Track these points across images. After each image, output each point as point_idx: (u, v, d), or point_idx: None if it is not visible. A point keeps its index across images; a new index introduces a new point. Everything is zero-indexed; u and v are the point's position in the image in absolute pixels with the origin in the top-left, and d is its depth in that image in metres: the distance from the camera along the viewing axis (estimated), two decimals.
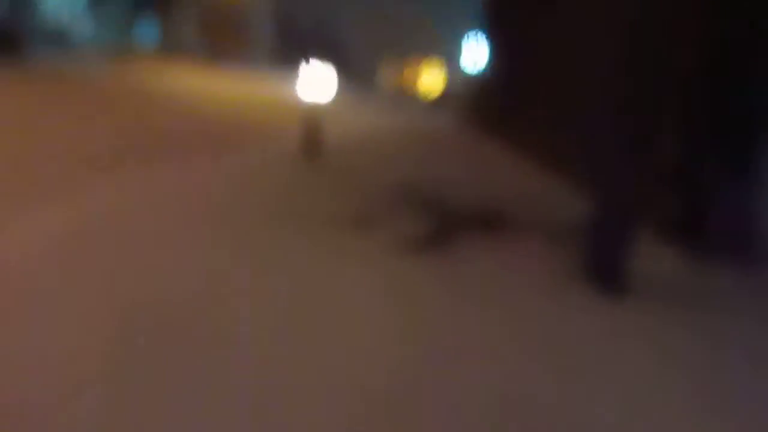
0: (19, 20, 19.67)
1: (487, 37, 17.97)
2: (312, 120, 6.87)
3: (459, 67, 29.13)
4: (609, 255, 3.48)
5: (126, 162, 5.54)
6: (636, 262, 3.47)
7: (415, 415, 1.97)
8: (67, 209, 3.84)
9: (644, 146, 3.47)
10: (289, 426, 1.84)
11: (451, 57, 32.06)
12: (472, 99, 18.32)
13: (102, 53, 28.57)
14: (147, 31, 44.12)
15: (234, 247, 3.54)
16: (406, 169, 6.90)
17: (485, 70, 18.19)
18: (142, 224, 3.78)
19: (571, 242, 4.27)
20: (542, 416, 2.05)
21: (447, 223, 4.46)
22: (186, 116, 9.97)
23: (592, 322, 2.96)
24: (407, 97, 40.45)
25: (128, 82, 15.55)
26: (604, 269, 3.48)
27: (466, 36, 26.32)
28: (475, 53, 22.16)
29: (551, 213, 5.25)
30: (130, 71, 21.08)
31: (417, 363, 2.37)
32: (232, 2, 43.19)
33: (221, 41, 46.31)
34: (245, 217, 4.21)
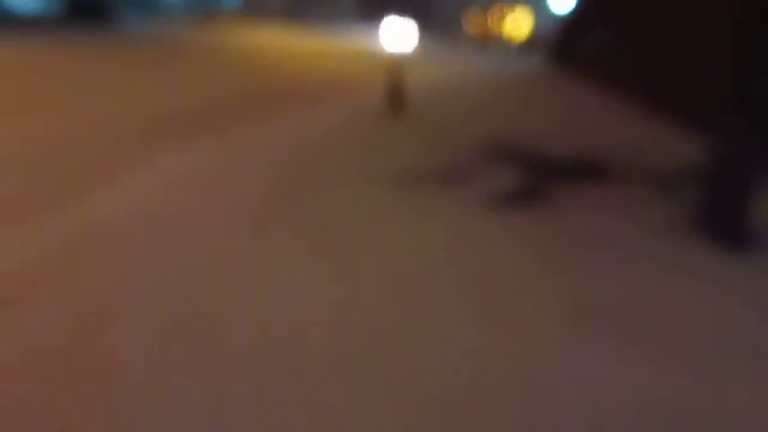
0: None
1: None
2: (395, 73, 6.69)
3: (546, 9, 27.50)
4: (728, 206, 3.11)
5: (217, 122, 5.71)
6: (755, 216, 3.08)
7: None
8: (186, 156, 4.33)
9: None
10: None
11: (538, 6, 30.28)
12: (561, 41, 17.13)
13: (190, 17, 29.63)
14: None
15: (319, 208, 3.51)
16: (496, 120, 6.57)
17: (574, 10, 17.02)
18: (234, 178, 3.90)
19: (679, 192, 3.88)
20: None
21: (541, 176, 4.19)
22: (272, 75, 10.11)
23: (709, 278, 2.67)
24: (493, 43, 39.07)
25: (216, 43, 16.00)
26: (723, 221, 3.12)
27: None
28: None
29: (655, 161, 4.79)
30: (218, 33, 21.71)
31: (510, 351, 2.14)
32: None
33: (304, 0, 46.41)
34: (329, 174, 4.17)
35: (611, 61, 10.92)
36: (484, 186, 3.94)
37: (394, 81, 6.69)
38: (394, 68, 6.69)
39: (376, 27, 25.89)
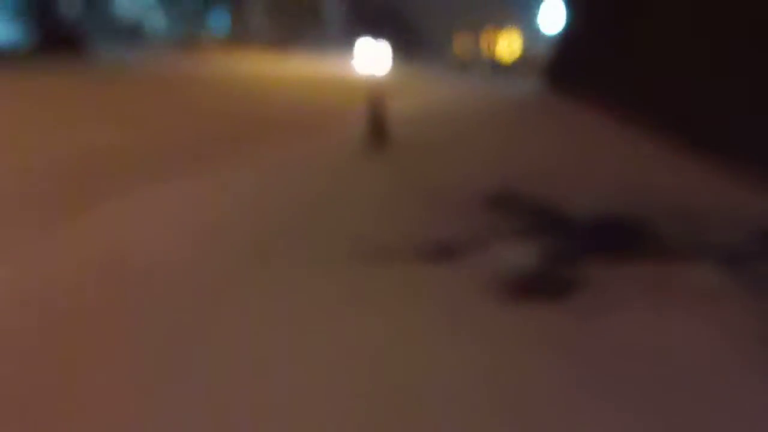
0: (88, 19, 19.89)
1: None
2: (376, 103, 5.65)
3: (537, 30, 27.21)
4: None
5: (171, 164, 4.65)
6: None
7: None
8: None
9: None
10: None
11: (527, 22, 30.27)
12: (556, 61, 16.31)
13: (174, 45, 28.92)
14: (218, 21, 44.51)
15: (271, 296, 2.42)
16: (495, 158, 5.49)
17: (565, 29, 16.43)
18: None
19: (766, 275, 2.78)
20: None
21: (564, 247, 3.09)
22: (244, 103, 9.16)
23: None
24: (484, 65, 39.19)
25: (194, 72, 15.11)
26: None
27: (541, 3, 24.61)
28: (554, 14, 21.30)
29: (711, 219, 3.64)
30: (200, 60, 20.87)
31: None
32: None
33: (291, 25, 46.26)
34: (283, 250, 3.06)
35: (622, 84, 9.88)
36: (486, 262, 2.84)
37: (374, 112, 5.65)
38: (375, 98, 5.65)
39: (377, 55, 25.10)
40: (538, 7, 25.39)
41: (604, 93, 10.63)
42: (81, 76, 12.13)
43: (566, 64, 15.82)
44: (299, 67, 18.07)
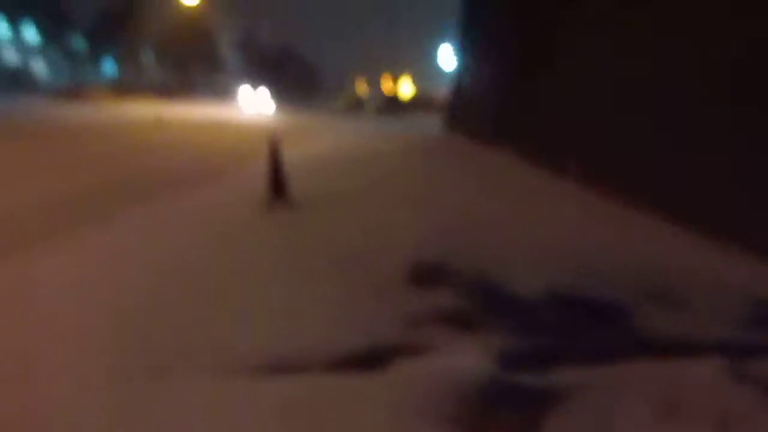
0: None
1: (465, 42, 16.71)
2: (274, 151, 4.76)
3: (434, 74, 28.37)
4: None
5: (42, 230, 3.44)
6: None
7: None
8: None
9: None
10: None
11: (424, 66, 31.66)
12: (458, 104, 16.42)
13: (59, 92, 26.45)
14: (108, 67, 41.65)
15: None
16: (410, 211, 4.75)
17: (463, 73, 16.74)
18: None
19: None
20: None
21: (526, 345, 2.32)
22: (127, 152, 8.22)
23: None
24: (381, 106, 40.75)
25: (82, 119, 13.61)
26: None
27: (439, 44, 26.04)
28: (449, 59, 22.86)
29: (703, 296, 2.78)
30: (88, 108, 19.09)
31: None
32: (194, 32, 41.11)
33: (186, 71, 44.47)
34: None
35: (526, 128, 9.54)
36: (425, 373, 2.02)
37: (273, 162, 4.72)
38: (274, 146, 4.73)
39: (259, 99, 24.84)
40: (436, 50, 27.12)
41: (509, 137, 10.35)
42: None
43: (465, 107, 15.82)
44: (189, 113, 16.79)
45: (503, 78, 11.51)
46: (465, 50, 16.73)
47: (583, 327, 2.46)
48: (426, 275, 3.01)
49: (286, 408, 1.75)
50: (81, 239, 3.55)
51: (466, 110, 15.83)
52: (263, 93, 13.95)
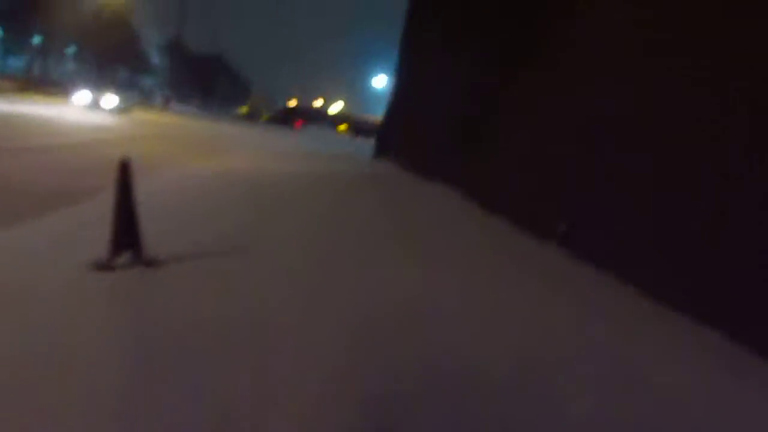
0: None
1: (401, 72, 16.63)
2: (124, 185, 3.09)
3: (368, 102, 28.56)
4: None
5: None
6: None
7: None
8: None
9: None
10: None
11: (358, 93, 32.35)
12: (393, 136, 15.95)
13: None
14: (16, 61, 37.61)
15: None
16: (346, 292, 3.37)
17: (395, 105, 16.48)
18: None
19: None
20: None
21: None
22: None
23: None
24: (277, 119, 42.18)
25: None
26: None
27: (373, 73, 26.62)
28: (381, 83, 24.27)
29: None
30: None
31: None
32: (121, 30, 38.13)
33: (108, 73, 40.87)
34: None
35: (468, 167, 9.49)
36: None
37: (118, 202, 3.00)
38: (122, 181, 3.06)
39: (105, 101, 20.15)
40: (370, 76, 29.16)
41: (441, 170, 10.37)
42: None
43: (390, 134, 15.79)
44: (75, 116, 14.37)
45: (425, 113, 11.99)
46: (397, 84, 17.15)
47: None
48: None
49: None
50: None
51: (389, 137, 16.61)
52: (110, 99, 14.73)
